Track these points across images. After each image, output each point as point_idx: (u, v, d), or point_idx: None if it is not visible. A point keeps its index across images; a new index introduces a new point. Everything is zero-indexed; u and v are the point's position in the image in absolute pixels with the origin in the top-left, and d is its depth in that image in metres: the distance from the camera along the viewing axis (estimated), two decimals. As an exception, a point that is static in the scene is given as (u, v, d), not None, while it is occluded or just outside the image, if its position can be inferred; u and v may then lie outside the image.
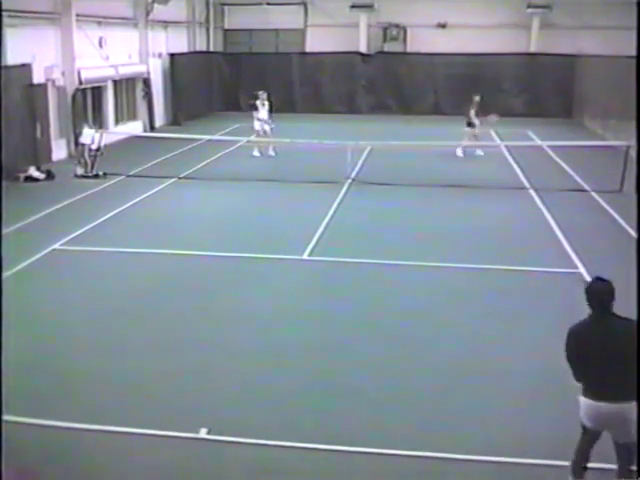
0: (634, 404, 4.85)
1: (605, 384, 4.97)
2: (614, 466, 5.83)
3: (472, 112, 20.79)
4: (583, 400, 5.10)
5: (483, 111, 20.95)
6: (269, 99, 21.27)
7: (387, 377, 7.47)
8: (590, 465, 5.46)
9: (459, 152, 20.64)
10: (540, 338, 8.52)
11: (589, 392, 5.04)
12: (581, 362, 5.06)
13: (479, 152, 20.91)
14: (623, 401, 4.91)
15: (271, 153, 20.67)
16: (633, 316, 5.31)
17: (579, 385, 5.16)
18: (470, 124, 20.80)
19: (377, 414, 6.76)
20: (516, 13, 30.10)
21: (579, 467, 5.33)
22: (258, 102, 20.87)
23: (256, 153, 20.63)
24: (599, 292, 5.05)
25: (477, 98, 21.04)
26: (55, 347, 8.25)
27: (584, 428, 5.26)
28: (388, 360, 7.88)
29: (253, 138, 20.90)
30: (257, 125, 20.85)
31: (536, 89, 30.00)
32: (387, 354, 8.04)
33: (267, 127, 20.87)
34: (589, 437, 5.26)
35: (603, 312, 5.03)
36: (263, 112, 20.81)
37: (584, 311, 9.70)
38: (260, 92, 21.19)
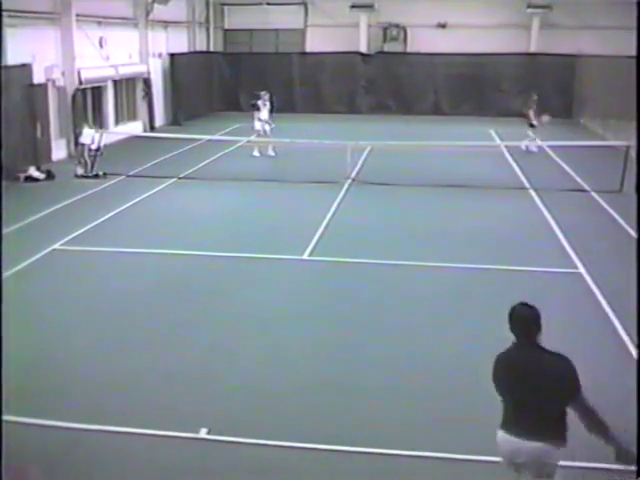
0: (549, 447, 4.40)
1: (520, 420, 4.47)
2: (611, 465, 5.85)
3: (531, 112, 21.57)
4: (499, 434, 4.61)
5: (537, 110, 21.76)
6: (271, 99, 21.26)
7: (387, 377, 7.47)
8: (589, 465, 5.47)
9: (524, 147, 21.19)
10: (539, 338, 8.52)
11: (506, 426, 4.56)
12: (502, 394, 4.60)
13: (534, 149, 21.20)
14: (538, 441, 4.39)
15: (271, 153, 20.67)
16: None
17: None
18: (532, 125, 21.63)
19: (377, 414, 6.76)
20: (516, 13, 30.10)
21: None
22: (260, 102, 20.87)
23: (256, 153, 20.65)
24: (522, 319, 4.55)
25: (535, 97, 21.82)
26: (55, 347, 8.24)
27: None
28: (388, 360, 7.88)
29: (253, 138, 20.90)
30: (258, 125, 20.86)
31: (536, 89, 29.94)
32: (387, 354, 8.04)
33: (267, 127, 20.88)
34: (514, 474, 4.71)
35: (526, 342, 4.52)
36: (264, 112, 20.81)
37: (584, 311, 9.73)
38: (262, 92, 21.20)
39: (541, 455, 4.41)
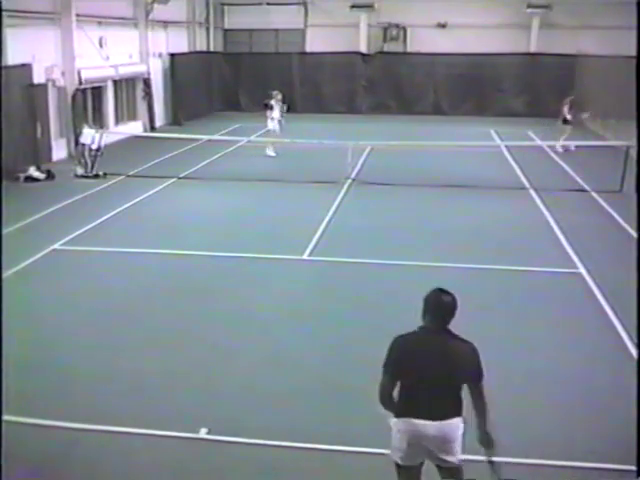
0: (455, 421, 4.58)
1: (428, 402, 4.56)
2: (611, 465, 5.85)
3: (566, 108, 21.91)
4: (400, 422, 4.63)
5: (575, 108, 22.31)
6: (283, 98, 21.24)
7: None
8: (588, 465, 5.47)
9: (559, 148, 21.24)
10: (540, 338, 8.53)
11: (409, 410, 4.60)
12: (405, 376, 4.63)
13: (573, 147, 21.25)
14: (445, 418, 4.56)
15: (270, 154, 20.62)
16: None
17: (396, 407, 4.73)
18: (566, 121, 21.95)
19: (377, 414, 6.74)
20: (516, 13, 30.10)
21: None
22: (273, 101, 20.82)
23: (271, 152, 20.56)
24: (443, 306, 4.56)
25: (572, 97, 22.52)
26: (55, 347, 8.25)
27: (398, 466, 4.74)
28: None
29: (265, 139, 20.75)
30: (271, 124, 20.81)
31: (536, 89, 30.01)
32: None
33: (278, 127, 20.79)
34: (406, 475, 4.76)
35: (438, 326, 4.57)
36: (276, 111, 20.74)
37: (584, 311, 9.71)
38: (274, 92, 21.18)
39: (448, 432, 4.57)
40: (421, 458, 4.71)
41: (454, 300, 4.59)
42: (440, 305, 4.57)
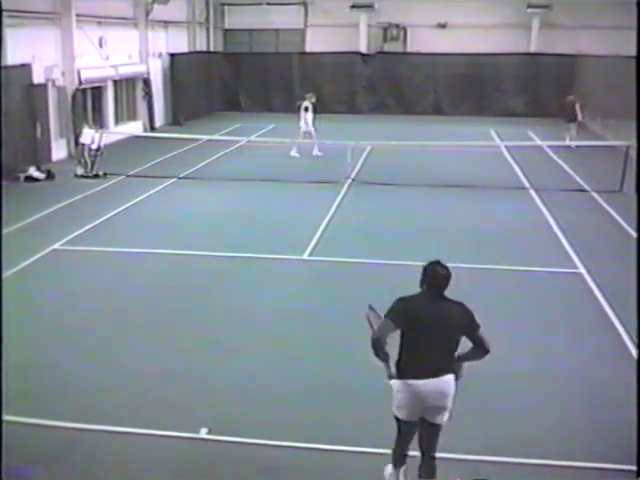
0: (449, 377, 5.08)
1: (428, 361, 5.06)
2: (612, 465, 5.85)
3: (578, 108, 22.46)
4: (401, 383, 5.11)
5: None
6: (317, 101, 21.26)
7: (387, 377, 7.46)
8: (588, 465, 5.47)
9: (572, 145, 21.35)
10: (540, 338, 8.53)
11: (409, 372, 5.08)
12: (408, 336, 5.10)
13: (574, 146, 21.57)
14: (441, 375, 5.07)
15: (295, 154, 20.54)
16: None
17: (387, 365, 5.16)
18: (573, 120, 22.42)
19: (378, 414, 6.75)
20: (516, 13, 30.11)
21: (400, 457, 5.48)
22: (307, 103, 20.79)
23: (317, 152, 20.56)
24: (440, 277, 5.12)
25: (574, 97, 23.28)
26: (55, 347, 8.25)
27: (399, 420, 5.27)
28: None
29: (301, 140, 20.64)
30: (305, 126, 20.73)
31: (536, 89, 30.01)
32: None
33: (312, 129, 20.77)
34: (407, 429, 5.30)
35: (435, 293, 5.12)
36: (310, 113, 20.73)
37: (584, 311, 9.72)
38: (309, 94, 21.20)
39: (445, 387, 5.08)
40: (420, 414, 5.18)
41: (449, 272, 5.13)
42: (436, 275, 5.13)
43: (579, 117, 22.66)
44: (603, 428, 6.51)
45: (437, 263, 5.19)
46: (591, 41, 27.94)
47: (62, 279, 10.51)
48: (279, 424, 6.56)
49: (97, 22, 22.13)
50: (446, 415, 5.19)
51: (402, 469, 5.54)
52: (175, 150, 20.92)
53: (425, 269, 5.18)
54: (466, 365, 5.27)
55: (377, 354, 5.09)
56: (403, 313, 5.10)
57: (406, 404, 5.15)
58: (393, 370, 5.17)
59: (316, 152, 20.66)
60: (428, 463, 5.35)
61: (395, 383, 5.15)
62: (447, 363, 5.11)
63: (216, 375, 7.53)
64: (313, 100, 21.01)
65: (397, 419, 5.28)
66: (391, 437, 6.28)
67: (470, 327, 5.08)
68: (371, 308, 5.63)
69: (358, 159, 19.05)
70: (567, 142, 21.73)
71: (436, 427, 5.23)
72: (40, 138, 18.80)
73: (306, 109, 20.75)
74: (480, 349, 5.11)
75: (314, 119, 20.83)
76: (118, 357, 7.93)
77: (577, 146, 20.96)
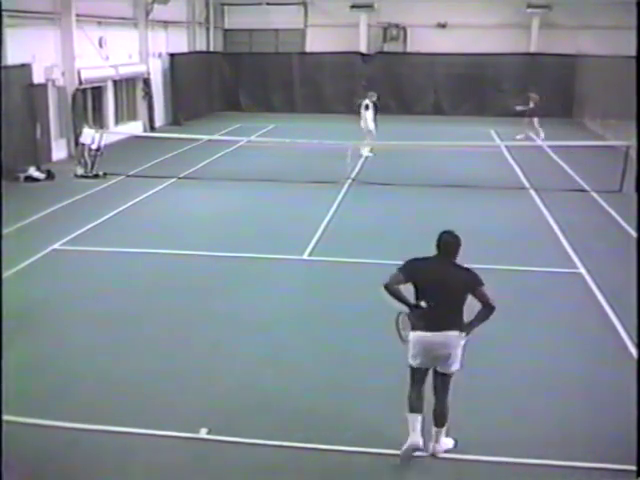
0: (455, 333, 5.77)
1: (435, 316, 5.75)
2: (611, 465, 5.85)
3: (533, 103, 23.68)
4: (415, 334, 5.83)
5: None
6: (378, 99, 21.24)
7: (387, 377, 7.45)
8: (588, 465, 5.46)
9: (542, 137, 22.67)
10: (540, 338, 8.53)
11: (420, 324, 5.79)
12: (419, 293, 5.82)
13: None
14: (447, 330, 5.77)
15: (368, 154, 20.42)
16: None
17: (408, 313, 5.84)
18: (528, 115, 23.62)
19: (378, 414, 6.76)
20: (516, 13, 30.11)
21: (416, 403, 5.97)
22: (368, 101, 20.74)
23: (367, 153, 20.46)
24: (448, 243, 5.92)
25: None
26: (55, 347, 8.25)
27: (412, 369, 5.98)
28: (388, 360, 7.86)
29: (368, 141, 20.64)
30: (370, 125, 20.66)
31: (536, 89, 29.96)
32: (388, 353, 8.02)
33: (372, 128, 20.71)
34: (419, 376, 5.98)
35: (446, 258, 5.89)
36: (371, 112, 20.67)
37: (584, 311, 9.73)
38: (370, 93, 21.17)
39: (451, 341, 5.78)
40: (430, 363, 5.91)
41: (457, 240, 5.93)
42: (445, 242, 5.93)
43: (537, 112, 23.72)
44: (603, 428, 6.50)
45: (448, 232, 5.99)
46: (591, 41, 27.92)
47: (62, 279, 10.51)
48: (279, 424, 6.56)
49: (97, 22, 22.13)
50: (455, 365, 5.86)
51: (419, 417, 5.95)
52: (175, 150, 20.92)
53: (438, 237, 5.96)
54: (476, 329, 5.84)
55: (392, 295, 5.84)
56: (411, 270, 5.89)
57: (418, 353, 5.86)
58: (406, 333, 5.87)
59: (366, 152, 20.42)
60: (439, 409, 5.97)
61: (411, 335, 5.85)
62: (453, 320, 5.80)
63: (216, 375, 7.53)
64: (374, 99, 20.96)
65: (411, 368, 5.97)
66: (391, 437, 6.31)
67: (474, 285, 5.76)
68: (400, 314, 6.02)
69: (358, 159, 19.05)
70: (541, 135, 22.73)
71: (446, 376, 5.92)
72: (40, 139, 18.79)
73: (367, 107, 20.70)
74: (484, 306, 5.74)
75: (374, 118, 20.75)
76: (118, 357, 7.93)
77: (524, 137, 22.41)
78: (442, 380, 5.95)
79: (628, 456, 5.26)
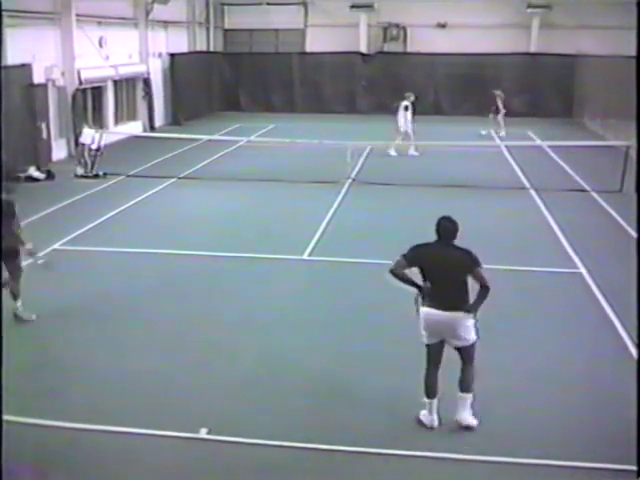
0: (461, 313, 6.19)
1: (439, 296, 6.22)
2: (611, 465, 5.86)
3: (499, 100, 24.63)
4: (423, 310, 6.31)
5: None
6: (416, 99, 21.35)
7: (388, 377, 7.47)
8: (591, 465, 5.46)
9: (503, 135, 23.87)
10: (540, 338, 8.53)
11: (427, 302, 6.28)
12: (425, 276, 6.28)
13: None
14: (454, 311, 6.19)
15: (393, 153, 20.63)
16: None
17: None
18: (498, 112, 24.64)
19: (378, 414, 6.76)
20: (516, 13, 30.11)
21: (432, 389, 6.40)
22: (406, 102, 20.77)
23: (413, 152, 20.67)
24: (445, 228, 6.33)
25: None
26: (55, 347, 8.26)
27: (427, 346, 6.42)
28: (389, 360, 7.88)
29: (399, 142, 20.73)
30: (403, 126, 20.73)
31: (536, 89, 30.00)
32: (388, 354, 8.03)
33: (410, 128, 20.77)
34: (434, 352, 6.39)
35: (445, 242, 6.33)
36: (409, 113, 20.72)
37: (584, 311, 9.72)
38: (407, 93, 21.20)
39: (457, 321, 6.22)
40: (438, 338, 6.34)
41: (455, 225, 6.33)
42: (444, 228, 6.32)
43: (501, 110, 24.51)
44: (603, 428, 6.51)
45: (445, 218, 6.39)
46: (591, 41, 27.91)
47: (62, 279, 10.49)
48: (279, 424, 6.56)
49: (97, 22, 22.13)
50: (469, 339, 6.28)
51: (435, 401, 6.39)
52: (175, 150, 20.92)
53: (437, 222, 6.35)
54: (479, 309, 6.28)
55: (397, 278, 6.31)
56: (414, 255, 6.31)
57: (426, 328, 6.34)
58: (420, 302, 6.34)
59: (412, 152, 20.70)
60: (462, 376, 6.39)
61: (421, 311, 6.33)
62: (457, 301, 6.21)
63: (216, 375, 7.53)
64: (412, 99, 21.01)
65: (426, 345, 6.41)
66: (391, 437, 6.32)
67: (471, 266, 6.21)
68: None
69: (358, 159, 19.05)
70: (502, 134, 24.01)
71: (464, 349, 6.34)
72: (42, 138, 18.78)
73: (405, 108, 20.73)
74: (481, 287, 6.16)
75: (412, 119, 20.82)
76: (118, 357, 7.93)
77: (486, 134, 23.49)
78: (462, 352, 6.37)
79: (628, 456, 5.26)
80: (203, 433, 6.34)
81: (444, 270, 6.24)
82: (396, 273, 6.27)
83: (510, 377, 7.50)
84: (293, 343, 8.36)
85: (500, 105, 24.55)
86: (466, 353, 6.37)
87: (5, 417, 5.11)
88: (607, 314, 9.16)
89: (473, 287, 6.30)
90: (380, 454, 6.10)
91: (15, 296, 8.72)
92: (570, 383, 7.43)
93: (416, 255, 6.33)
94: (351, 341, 8.41)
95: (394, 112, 21.08)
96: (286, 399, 7.04)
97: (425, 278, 6.31)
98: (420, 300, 6.35)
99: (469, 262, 6.23)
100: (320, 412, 6.81)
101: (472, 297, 6.31)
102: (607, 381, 7.42)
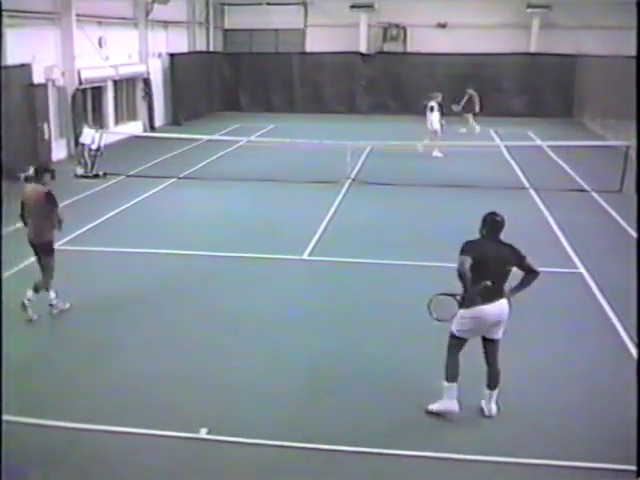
0: (505, 301, 6.47)
1: (492, 289, 6.33)
2: (611, 465, 5.86)
3: (476, 99, 24.68)
4: (473, 310, 6.38)
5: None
6: (443, 100, 21.38)
7: (388, 377, 7.47)
8: (591, 465, 5.45)
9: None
10: (540, 338, 8.53)
11: (480, 299, 6.34)
12: (476, 270, 6.28)
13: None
14: (498, 300, 6.44)
15: (437, 154, 20.65)
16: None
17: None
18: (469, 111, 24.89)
19: (378, 414, 6.76)
20: (516, 13, 30.12)
21: (452, 374, 6.55)
22: (433, 102, 20.80)
23: (437, 154, 20.64)
24: (495, 222, 6.54)
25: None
26: (55, 347, 8.26)
27: (457, 339, 6.55)
28: (389, 360, 7.88)
29: (427, 142, 20.72)
30: (435, 125, 20.79)
31: (536, 89, 30.00)
32: (387, 354, 8.04)
33: (437, 128, 20.81)
34: (461, 345, 6.56)
35: (493, 237, 6.52)
36: (437, 113, 20.76)
37: (584, 310, 9.72)
38: (435, 93, 21.28)
39: (503, 308, 6.47)
40: (478, 334, 6.56)
41: (503, 219, 6.55)
42: (493, 222, 6.55)
43: (476, 109, 24.69)
44: (603, 428, 6.51)
45: (493, 213, 6.57)
46: (591, 41, 27.91)
47: (62, 279, 10.48)
48: (279, 424, 6.56)
49: (97, 22, 22.14)
50: (502, 330, 6.54)
51: (455, 385, 6.54)
52: (175, 150, 20.93)
53: (484, 218, 6.57)
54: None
55: (463, 279, 6.30)
56: (472, 249, 6.38)
57: (471, 327, 6.47)
58: (440, 315, 6.44)
59: (436, 153, 20.66)
60: (493, 373, 6.61)
61: (463, 312, 6.39)
62: (502, 290, 6.45)
63: (216, 375, 7.53)
64: (439, 99, 21.06)
65: (454, 337, 6.55)
66: (391, 437, 6.32)
67: (520, 260, 6.45)
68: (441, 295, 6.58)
69: (358, 159, 19.05)
70: (462, 130, 24.19)
71: (495, 342, 6.58)
72: (42, 138, 18.78)
73: (432, 109, 20.78)
74: (532, 273, 6.47)
75: (440, 119, 20.84)
76: (118, 357, 7.93)
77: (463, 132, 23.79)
78: (492, 346, 6.58)
79: (628, 456, 5.27)
80: (203, 433, 6.34)
81: (497, 264, 6.38)
82: (465, 271, 6.27)
83: (510, 377, 7.47)
84: (293, 343, 8.36)
85: (477, 103, 24.64)
86: (496, 347, 6.60)
87: (5, 417, 5.11)
88: (607, 314, 9.16)
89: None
90: (380, 454, 6.10)
91: (47, 289, 8.93)
92: (570, 383, 7.43)
93: (474, 248, 6.43)
94: (351, 341, 8.41)
95: (422, 112, 21.27)
96: (286, 399, 7.05)
97: (474, 272, 6.31)
98: (441, 305, 6.41)
99: (519, 255, 6.45)
100: (320, 412, 6.81)
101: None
102: (607, 381, 7.43)
